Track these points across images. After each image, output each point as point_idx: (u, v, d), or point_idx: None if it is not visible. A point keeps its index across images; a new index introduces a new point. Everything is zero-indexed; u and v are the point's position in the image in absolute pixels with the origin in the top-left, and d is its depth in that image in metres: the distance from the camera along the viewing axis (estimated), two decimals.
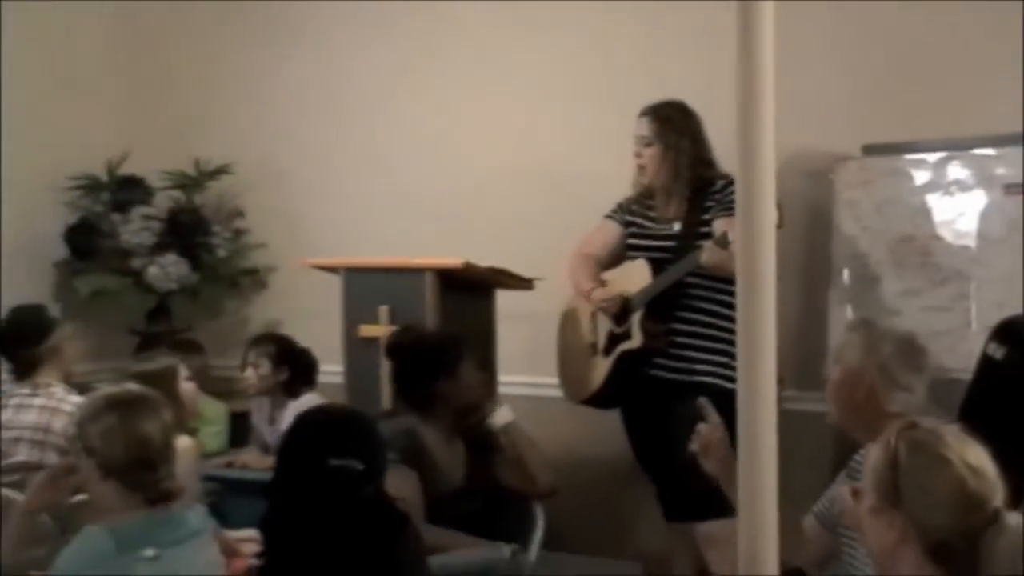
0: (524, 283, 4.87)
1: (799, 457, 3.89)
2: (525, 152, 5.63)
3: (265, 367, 5.12)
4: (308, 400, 4.84)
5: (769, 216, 1.71)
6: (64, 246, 6.23)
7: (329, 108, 6.22)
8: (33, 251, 6.16)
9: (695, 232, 4.53)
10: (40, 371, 4.51)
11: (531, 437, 4.39)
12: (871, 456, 2.26)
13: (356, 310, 4.80)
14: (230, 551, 3.70)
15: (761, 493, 1.74)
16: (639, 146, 4.65)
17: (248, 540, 3.30)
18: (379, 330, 4.69)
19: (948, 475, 2.12)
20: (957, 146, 4.46)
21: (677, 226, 4.63)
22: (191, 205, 6.40)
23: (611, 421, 4.91)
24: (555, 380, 5.06)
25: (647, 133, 4.62)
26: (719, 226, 4.36)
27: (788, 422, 4.06)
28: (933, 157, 4.50)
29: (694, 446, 3.13)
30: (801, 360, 4.63)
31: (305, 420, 3.07)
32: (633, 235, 4.75)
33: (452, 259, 4.66)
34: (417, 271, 4.66)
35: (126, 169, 6.31)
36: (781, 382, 4.50)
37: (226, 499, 4.65)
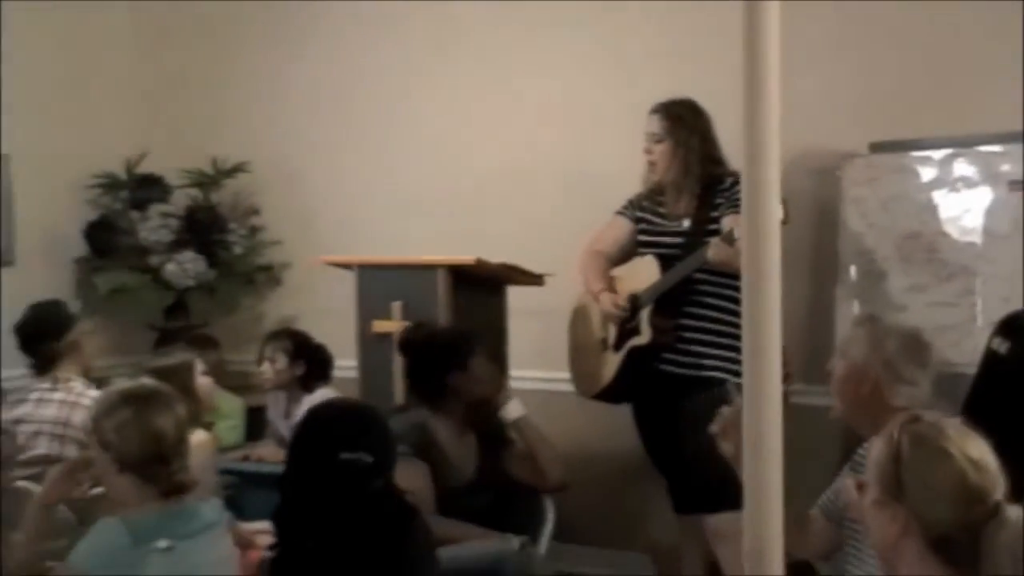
0: (535, 279, 4.87)
1: (806, 450, 3.89)
2: (536, 150, 5.63)
3: (281, 362, 5.13)
4: (323, 395, 4.84)
5: (774, 213, 1.70)
6: (84, 243, 6.26)
7: (343, 108, 6.22)
8: (53, 248, 6.19)
9: (704, 229, 4.52)
10: (60, 366, 4.52)
11: (542, 431, 4.39)
12: (874, 450, 2.26)
13: (370, 306, 4.80)
14: (245, 543, 3.71)
15: (766, 486, 1.73)
16: (650, 143, 4.64)
17: (263, 532, 3.30)
18: (392, 326, 4.69)
19: (950, 469, 2.11)
20: (963, 143, 4.45)
21: (687, 223, 4.62)
22: (208, 203, 6.41)
23: (621, 415, 4.91)
24: (567, 375, 5.06)
25: (658, 130, 4.61)
26: (727, 223, 4.36)
27: (796, 416, 4.07)
28: (939, 154, 4.49)
29: (714, 427, 3.11)
30: (809, 355, 4.62)
31: (316, 414, 3.07)
32: (643, 231, 4.74)
33: (464, 256, 4.65)
34: (430, 268, 4.66)
35: (144, 168, 6.33)
36: (789, 377, 4.52)
37: (242, 492, 4.67)
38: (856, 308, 4.63)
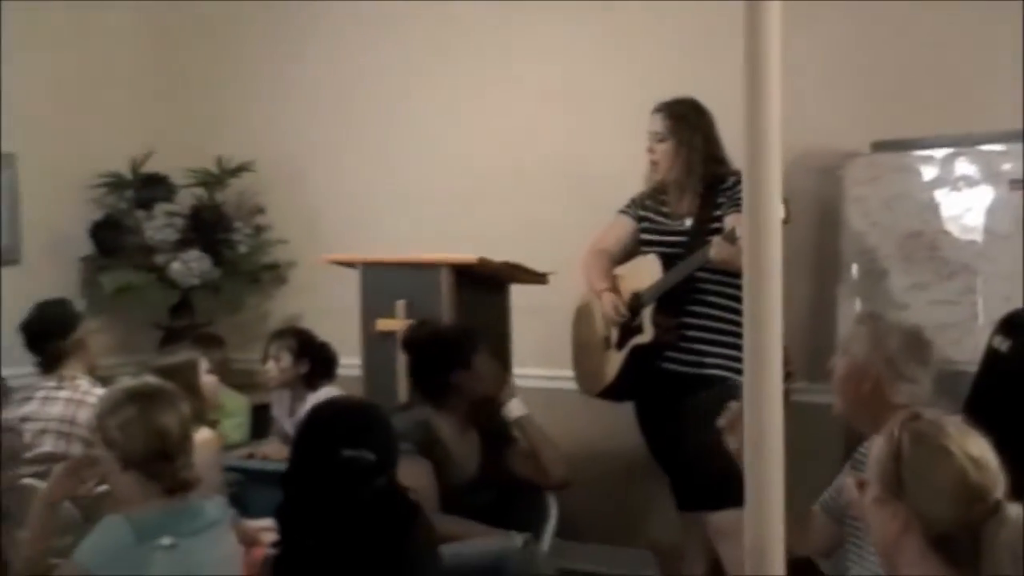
0: (538, 277, 4.87)
1: (808, 448, 3.89)
2: (539, 149, 5.63)
3: (286, 360, 5.13)
4: (327, 393, 4.83)
5: (775, 212, 1.71)
6: (90, 242, 6.25)
7: (346, 108, 6.22)
8: (59, 247, 6.18)
9: (706, 228, 4.51)
10: (65, 364, 4.52)
11: (544, 430, 4.39)
12: (875, 448, 2.25)
13: (373, 305, 4.80)
14: (249, 540, 3.71)
15: (767, 484, 1.73)
16: (652, 142, 4.64)
17: (267, 529, 3.30)
18: (396, 324, 4.68)
19: (950, 467, 2.11)
20: (964, 142, 4.44)
21: (689, 222, 4.62)
22: (213, 202, 6.41)
23: (624, 413, 4.90)
24: (570, 373, 5.05)
25: (660, 129, 4.61)
26: (729, 222, 4.35)
27: (798, 414, 4.07)
28: (940, 153, 4.48)
29: (722, 421, 3.11)
30: (811, 353, 4.61)
31: (318, 412, 3.07)
32: (646, 230, 4.74)
33: (467, 254, 4.65)
34: (433, 266, 4.66)
35: (150, 167, 6.32)
36: (791, 375, 4.51)
37: (247, 489, 4.67)
38: (858, 306, 4.63)
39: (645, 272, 4.65)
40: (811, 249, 4.94)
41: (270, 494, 3.16)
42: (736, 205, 4.38)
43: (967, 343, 4.14)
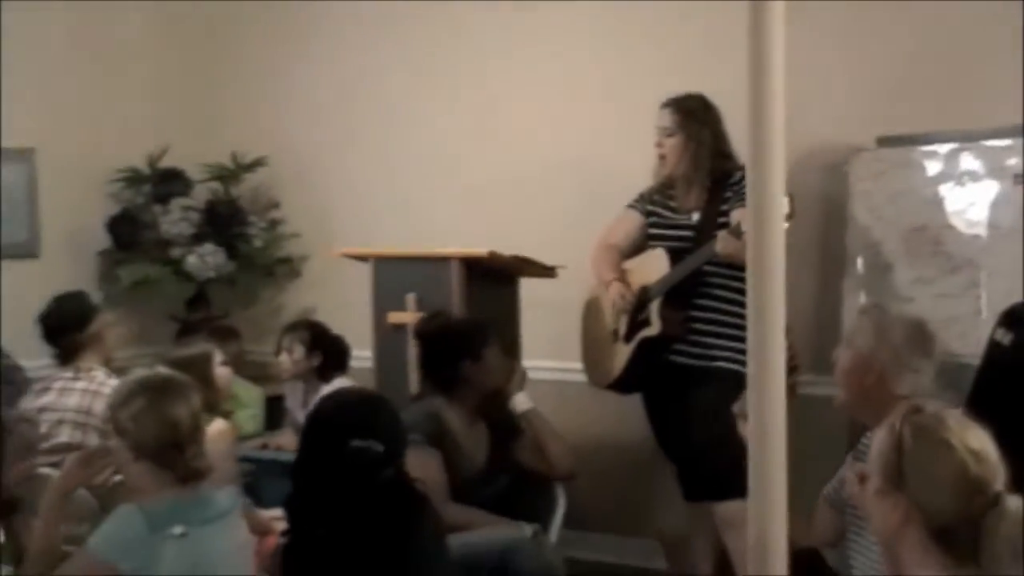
0: (547, 271, 4.86)
1: (814, 439, 3.88)
2: (549, 144, 5.62)
3: (299, 353, 5.12)
4: (339, 384, 4.84)
5: (778, 208, 1.70)
6: (107, 236, 6.26)
7: (359, 105, 6.22)
8: (77, 241, 6.21)
9: (713, 222, 4.50)
10: (82, 356, 4.53)
11: (550, 423, 4.40)
12: (876, 440, 2.24)
13: (385, 298, 4.80)
14: (262, 529, 3.72)
15: (771, 475, 1.73)
16: (661, 136, 4.62)
17: (279, 519, 3.30)
18: (407, 317, 4.69)
19: (951, 460, 2.10)
20: (969, 137, 4.42)
21: (696, 216, 4.60)
22: (228, 197, 6.41)
23: (632, 405, 4.89)
24: (579, 365, 5.05)
25: (669, 124, 4.60)
26: (735, 216, 4.34)
27: (803, 405, 4.06)
28: (945, 148, 4.45)
29: (737, 407, 3.10)
30: (817, 346, 4.60)
31: (327, 404, 3.07)
32: (653, 225, 4.73)
33: (477, 248, 4.65)
34: (443, 260, 4.66)
35: (166, 162, 6.33)
36: (797, 368, 4.50)
37: (261, 479, 4.68)
38: (863, 300, 4.61)
39: (653, 266, 4.63)
40: (817, 243, 4.93)
41: (283, 484, 3.16)
42: (743, 200, 4.35)
43: (971, 336, 4.12)
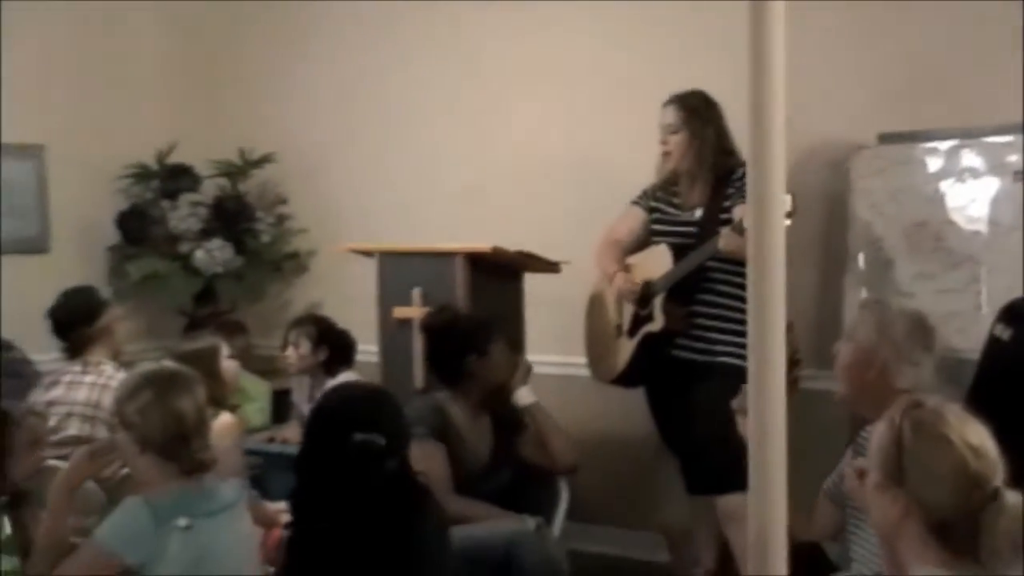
0: (551, 266, 4.86)
1: (815, 433, 3.87)
2: (553, 141, 5.61)
3: (305, 347, 5.12)
4: (345, 379, 4.82)
5: (779, 203, 1.69)
6: (116, 232, 6.27)
7: (366, 101, 6.22)
8: (87, 236, 6.21)
9: (716, 219, 4.49)
10: (91, 350, 4.53)
11: (553, 417, 4.39)
12: (876, 434, 2.23)
13: (390, 292, 4.80)
14: (269, 521, 3.72)
15: (771, 469, 1.72)
16: (665, 134, 4.61)
17: (285, 511, 3.30)
18: (412, 312, 4.68)
19: (950, 456, 2.09)
20: (969, 134, 4.41)
21: (699, 213, 4.60)
22: (236, 192, 6.42)
23: (636, 400, 4.89)
24: (583, 360, 5.04)
25: (673, 121, 4.58)
26: (738, 213, 4.33)
27: (805, 400, 4.05)
28: (946, 145, 4.44)
29: (736, 404, 3.09)
30: (819, 341, 4.58)
31: (330, 397, 3.06)
32: (657, 221, 4.72)
33: (481, 244, 4.64)
34: (448, 255, 4.65)
35: (175, 158, 6.33)
36: (799, 362, 4.49)
37: (268, 472, 4.68)
38: (864, 295, 4.60)
39: (656, 262, 4.63)
40: (819, 240, 4.92)
41: (290, 477, 3.15)
42: (745, 196, 4.35)
43: (971, 332, 4.10)
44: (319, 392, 4.95)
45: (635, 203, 4.82)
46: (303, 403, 5.25)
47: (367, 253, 4.97)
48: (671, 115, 4.60)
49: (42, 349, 4.86)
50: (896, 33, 4.74)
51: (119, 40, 6.36)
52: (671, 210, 4.68)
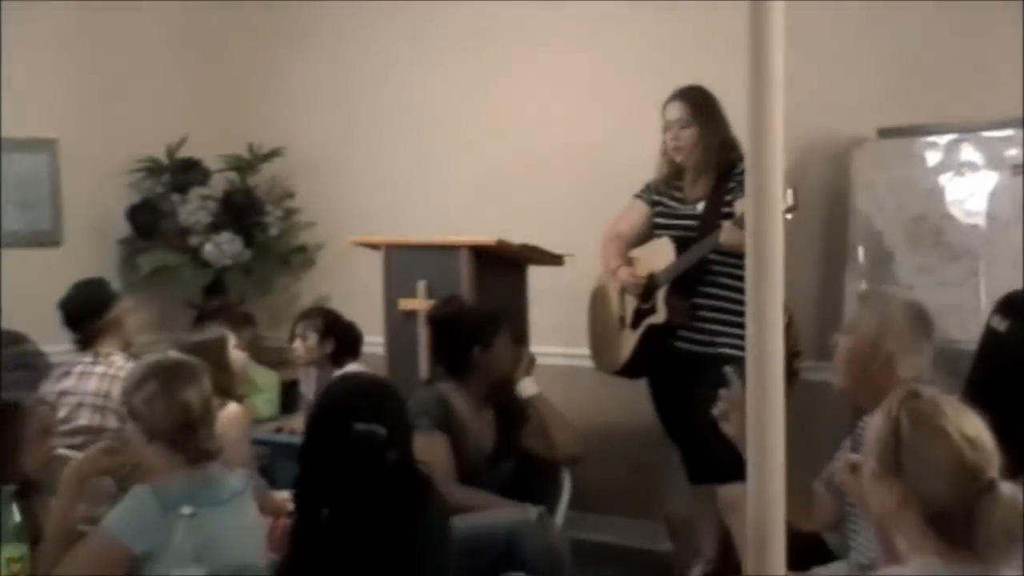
0: (555, 259, 4.86)
1: (816, 423, 3.87)
2: (556, 136, 5.60)
3: (312, 339, 5.11)
4: (351, 370, 4.83)
5: (777, 197, 1.68)
6: (127, 225, 6.28)
7: (373, 97, 6.23)
8: (99, 230, 6.23)
9: (718, 212, 4.48)
10: (102, 341, 4.52)
11: (556, 408, 4.38)
12: (873, 424, 2.22)
13: (396, 285, 4.80)
14: (277, 510, 3.72)
15: (769, 459, 1.72)
16: (675, 129, 4.58)
17: (291, 501, 3.29)
18: (418, 304, 4.68)
19: (947, 448, 2.07)
20: (968, 129, 4.40)
21: (701, 206, 4.59)
22: (245, 186, 6.43)
23: (639, 391, 4.88)
24: (587, 352, 5.04)
25: (683, 116, 4.56)
26: (739, 207, 4.32)
27: (806, 390, 4.04)
28: (945, 139, 4.44)
29: (716, 410, 3.08)
30: (819, 332, 4.58)
31: (332, 389, 3.06)
32: (659, 214, 4.71)
33: (486, 237, 4.63)
34: (453, 248, 4.65)
35: (184, 153, 6.34)
36: (799, 354, 4.46)
37: (276, 462, 4.68)
38: (864, 288, 4.59)
39: (659, 255, 4.62)
40: (819, 233, 4.91)
41: (296, 467, 3.16)
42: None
43: (970, 324, 4.08)
44: (326, 383, 4.96)
45: (638, 197, 4.81)
46: (310, 394, 5.25)
47: (373, 246, 4.96)
48: (680, 110, 4.58)
49: (54, 340, 4.85)
50: (896, 28, 4.73)
51: (130, 36, 6.36)
52: (674, 204, 4.67)
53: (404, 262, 4.80)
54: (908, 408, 2.14)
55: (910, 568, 2.10)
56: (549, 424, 4.33)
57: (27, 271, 5.63)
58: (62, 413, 4.14)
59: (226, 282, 6.28)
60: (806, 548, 3.09)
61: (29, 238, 5.89)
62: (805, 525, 3.19)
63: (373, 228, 5.49)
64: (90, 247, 6.13)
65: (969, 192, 4.37)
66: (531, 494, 4.04)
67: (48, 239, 6.01)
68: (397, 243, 4.90)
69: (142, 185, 6.36)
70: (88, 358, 4.48)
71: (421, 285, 4.69)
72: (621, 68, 5.43)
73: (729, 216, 4.34)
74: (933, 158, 4.46)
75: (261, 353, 5.72)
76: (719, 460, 4.15)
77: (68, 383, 4.41)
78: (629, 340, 4.74)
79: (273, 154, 6.41)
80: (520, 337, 4.64)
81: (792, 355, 4.44)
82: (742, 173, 4.39)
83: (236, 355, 4.33)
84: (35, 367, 4.85)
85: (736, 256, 4.27)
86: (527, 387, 4.35)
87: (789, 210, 3.90)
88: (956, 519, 2.05)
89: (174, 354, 3.24)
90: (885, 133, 4.64)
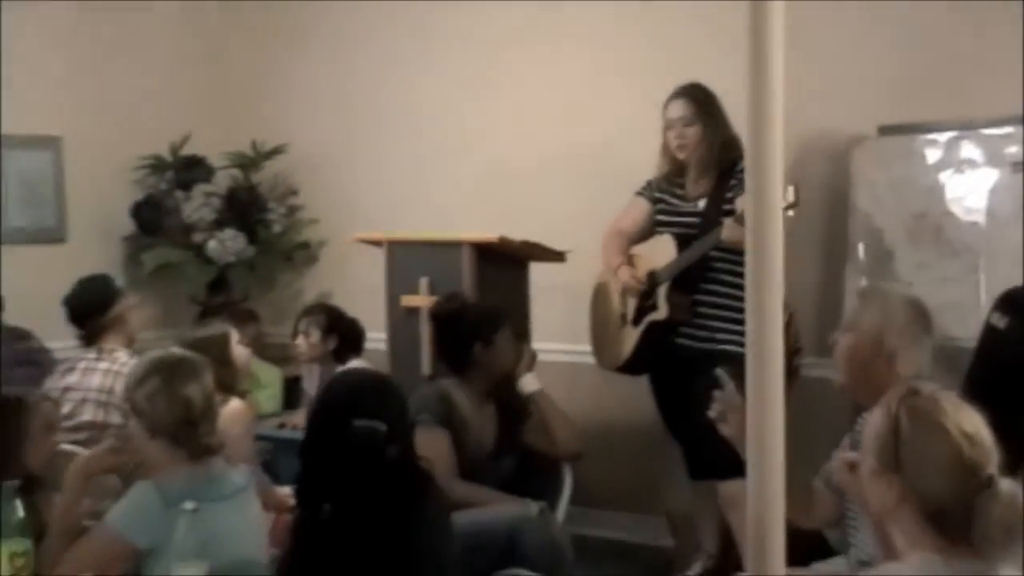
0: (556, 256, 4.85)
1: (817, 419, 3.86)
2: (558, 135, 5.60)
3: (315, 336, 5.11)
4: (354, 366, 4.82)
5: (777, 195, 1.67)
6: (132, 222, 6.28)
7: (375, 94, 6.23)
8: (103, 227, 6.23)
9: (719, 209, 4.48)
10: (105, 337, 4.52)
11: (557, 404, 4.38)
12: (872, 421, 2.21)
13: (399, 282, 4.80)
14: (279, 506, 3.71)
15: (769, 456, 1.70)
16: (679, 127, 4.57)
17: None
18: (420, 300, 4.68)
19: (946, 444, 2.07)
20: (968, 126, 4.39)
21: (702, 204, 4.58)
22: (249, 183, 6.42)
23: (641, 387, 4.88)
24: (589, 348, 5.03)
25: (687, 113, 4.55)
26: (740, 204, 4.31)
27: (806, 387, 4.03)
28: (945, 137, 4.43)
29: (712, 412, 3.06)
30: (820, 329, 4.58)
31: (333, 385, 3.05)
32: (661, 212, 4.71)
33: (488, 234, 4.63)
34: (455, 245, 4.64)
35: (188, 150, 6.33)
36: (800, 351, 4.45)
37: (278, 457, 4.68)
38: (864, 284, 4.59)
39: (661, 252, 4.61)
40: (820, 230, 4.91)
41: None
42: None
43: (970, 321, 4.07)
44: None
45: (639, 194, 4.80)
46: (313, 390, 5.24)
47: (376, 243, 4.96)
48: (683, 108, 4.56)
49: (59, 337, 4.85)
50: (896, 26, 4.72)
51: (134, 35, 6.36)
52: (675, 201, 4.67)
53: (406, 259, 4.80)
54: (907, 405, 2.14)
55: (908, 564, 2.10)
56: (550, 420, 4.32)
57: (32, 268, 5.62)
58: (66, 409, 4.15)
59: (230, 279, 6.27)
60: (807, 544, 3.09)
61: (34, 235, 5.90)
62: (806, 523, 3.18)
63: (376, 225, 5.48)
64: (94, 244, 6.12)
65: (969, 189, 4.37)
66: (532, 490, 4.04)
67: (53, 236, 6.01)
68: (399, 240, 4.89)
69: (146, 182, 6.35)
70: (92, 354, 4.48)
71: (423, 282, 4.69)
72: (622, 66, 5.42)
73: (730, 213, 4.33)
74: (933, 155, 4.46)
75: (264, 349, 5.72)
76: (720, 456, 4.14)
77: (72, 379, 4.41)
78: (630, 337, 4.73)
79: (276, 151, 6.40)
80: (522, 334, 4.63)
81: (792, 352, 4.44)
82: (743, 171, 4.38)
83: (239, 351, 4.33)
84: (40, 363, 4.85)
85: (737, 253, 4.24)
86: (528, 383, 4.34)
87: (790, 207, 3.90)
88: (955, 515, 2.04)
89: (176, 350, 3.24)
90: (885, 131, 4.63)
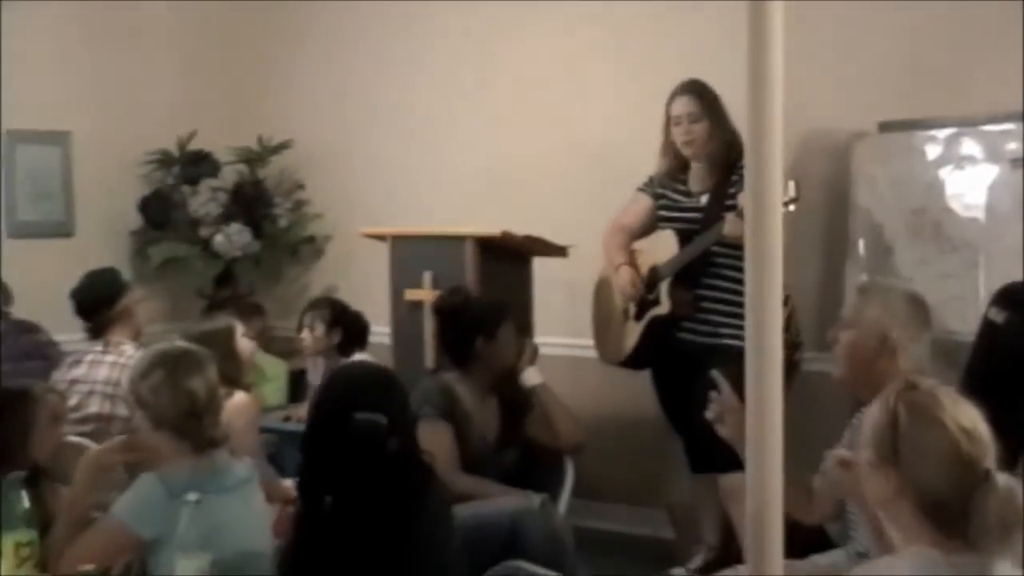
0: (558, 250, 4.85)
1: (817, 413, 3.85)
2: (562, 130, 5.59)
3: (319, 329, 5.10)
4: (356, 359, 4.82)
5: (776, 191, 1.66)
6: (139, 216, 6.29)
7: (381, 91, 6.21)
8: (111, 221, 6.24)
9: (721, 205, 4.47)
10: (112, 331, 4.52)
11: (559, 397, 4.37)
12: (870, 415, 2.20)
13: (402, 276, 4.79)
14: (283, 498, 3.71)
15: (768, 451, 1.69)
16: (686, 123, 4.55)
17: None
18: (423, 294, 4.67)
19: (944, 439, 2.06)
20: (968, 123, 4.38)
21: (704, 199, 4.57)
22: (255, 178, 6.43)
23: (643, 381, 4.88)
24: (591, 342, 5.03)
25: (694, 109, 4.53)
26: (742, 199, 4.29)
27: (807, 381, 4.01)
28: (945, 133, 4.41)
29: (710, 414, 3.05)
30: (820, 324, 4.56)
31: (334, 378, 3.06)
32: (663, 207, 4.70)
33: (491, 228, 4.62)
34: (458, 239, 4.64)
35: (195, 145, 6.34)
36: (800, 345, 4.43)
37: (283, 450, 4.67)
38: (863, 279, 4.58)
39: (663, 247, 4.60)
40: (820, 226, 4.90)
41: None
42: None
43: (969, 316, 4.07)
44: None
45: (641, 190, 4.79)
46: (318, 383, 5.23)
47: (380, 237, 4.96)
48: (690, 104, 4.54)
49: (67, 330, 4.86)
50: (896, 22, 4.71)
51: (142, 30, 6.36)
52: (677, 197, 4.66)
53: (410, 253, 4.80)
54: (905, 399, 2.13)
55: (905, 558, 2.09)
56: (552, 413, 4.32)
57: (40, 261, 5.64)
58: (73, 401, 4.15)
59: (236, 273, 6.28)
60: (806, 537, 3.08)
61: (42, 229, 5.92)
62: (806, 518, 3.17)
63: (380, 220, 5.49)
64: (102, 238, 6.13)
65: (969, 185, 4.35)
66: (534, 482, 4.03)
67: (61, 230, 6.02)
68: (403, 234, 4.89)
69: (153, 177, 6.36)
70: (99, 347, 4.49)
71: (427, 276, 4.68)
72: (624, 64, 5.41)
73: (733, 208, 4.32)
74: (933, 152, 4.44)
75: (270, 343, 5.72)
76: (721, 450, 4.14)
77: (79, 371, 4.42)
78: (633, 331, 4.73)
79: (282, 147, 6.39)
80: (524, 328, 4.63)
81: (793, 347, 4.43)
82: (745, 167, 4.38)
83: (243, 344, 4.33)
84: (48, 356, 4.86)
85: (739, 248, 4.23)
86: (531, 377, 4.34)
87: (791, 202, 3.89)
88: (952, 510, 2.03)
89: (180, 343, 3.24)
90: (885, 127, 4.62)
